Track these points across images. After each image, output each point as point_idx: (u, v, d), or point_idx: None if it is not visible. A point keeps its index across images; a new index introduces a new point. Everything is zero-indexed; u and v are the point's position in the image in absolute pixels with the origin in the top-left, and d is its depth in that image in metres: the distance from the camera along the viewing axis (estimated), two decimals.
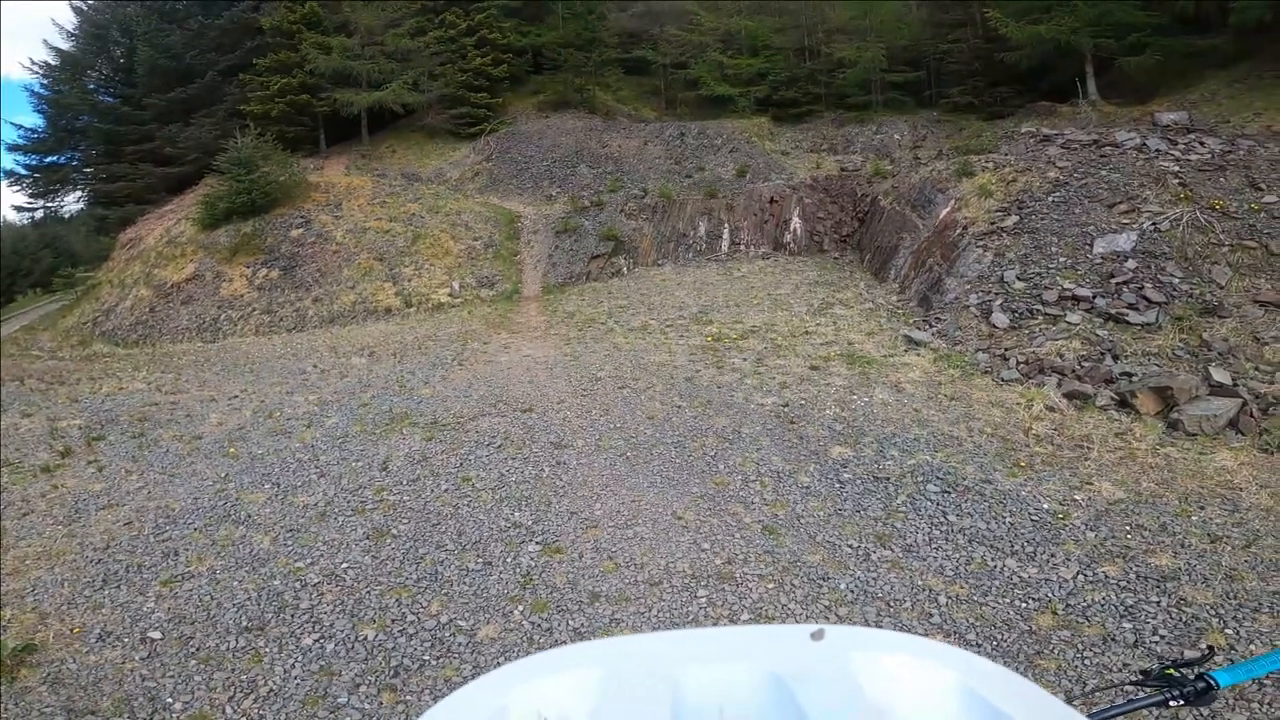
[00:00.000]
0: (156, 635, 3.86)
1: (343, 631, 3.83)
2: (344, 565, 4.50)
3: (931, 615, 3.70)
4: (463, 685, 0.69)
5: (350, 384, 8.86)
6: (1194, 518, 4.39)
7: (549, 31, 24.01)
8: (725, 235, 15.53)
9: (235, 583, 4.35)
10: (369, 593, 4.19)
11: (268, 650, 3.70)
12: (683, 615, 3.84)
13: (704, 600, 3.96)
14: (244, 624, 3.93)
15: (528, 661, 0.72)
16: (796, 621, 3.69)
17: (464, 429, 6.81)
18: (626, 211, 16.14)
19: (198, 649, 3.74)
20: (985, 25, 18.37)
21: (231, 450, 6.65)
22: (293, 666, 3.57)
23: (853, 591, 3.94)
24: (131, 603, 4.18)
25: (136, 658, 3.69)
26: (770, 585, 4.04)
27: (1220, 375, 5.95)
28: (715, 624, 3.75)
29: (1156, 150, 9.92)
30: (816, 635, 0.72)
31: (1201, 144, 9.96)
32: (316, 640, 3.77)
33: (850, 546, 4.38)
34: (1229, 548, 4.02)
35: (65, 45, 26.01)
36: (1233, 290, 7.03)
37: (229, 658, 3.66)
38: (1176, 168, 9.18)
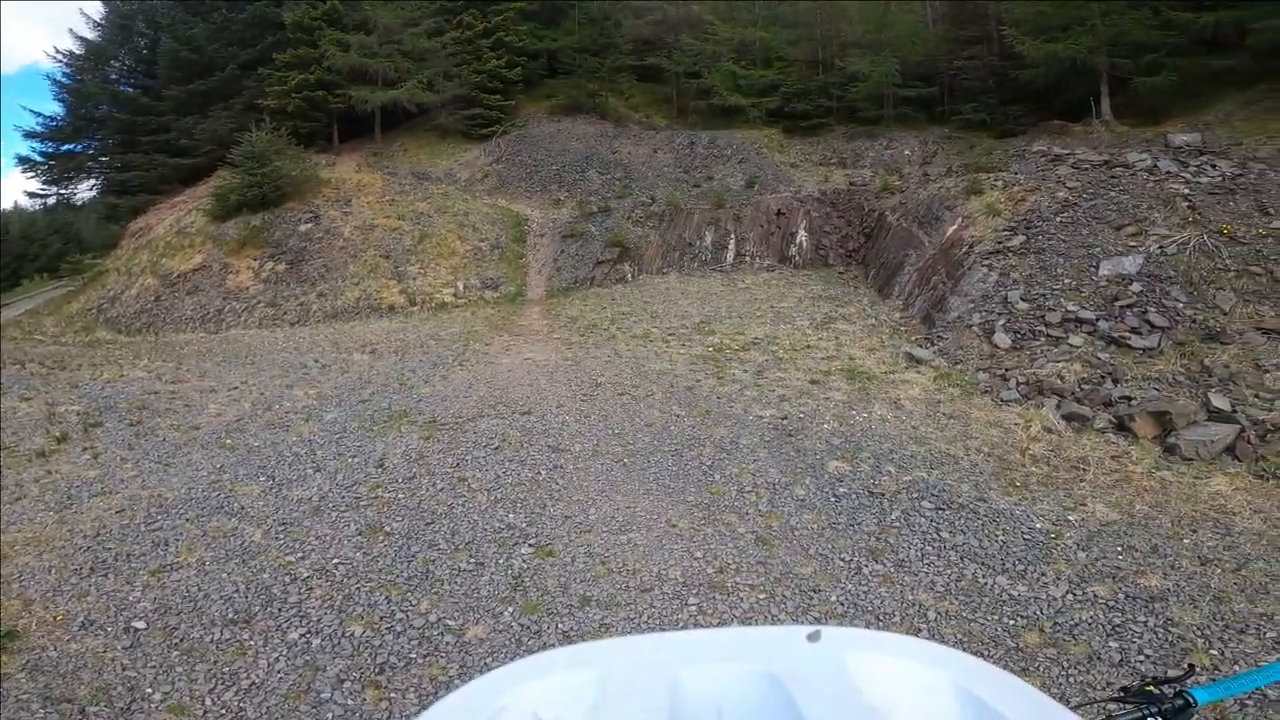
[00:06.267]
0: (140, 625, 3.86)
1: (330, 627, 3.83)
2: (335, 561, 4.50)
3: (920, 630, 3.68)
4: (459, 686, 0.69)
5: (350, 380, 8.89)
6: (1185, 540, 4.36)
7: (564, 36, 24.14)
8: (731, 246, 15.54)
9: (224, 575, 4.35)
10: (359, 589, 4.19)
11: (252, 643, 3.70)
12: (673, 622, 3.83)
13: (694, 608, 3.96)
14: (230, 616, 3.93)
15: (525, 663, 0.72)
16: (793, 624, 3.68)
17: (462, 429, 6.81)
18: (633, 218, 16.18)
19: (181, 640, 3.73)
20: (1001, 42, 18.35)
21: (228, 442, 6.66)
22: (277, 660, 3.57)
23: (843, 604, 3.93)
24: (118, 592, 4.19)
25: (118, 647, 3.68)
26: (761, 595, 4.03)
27: (1220, 401, 5.92)
28: (707, 630, 3.74)
29: (1167, 172, 9.89)
30: (813, 636, 0.72)
31: (1213, 166, 9.92)
32: (302, 635, 3.77)
33: (843, 560, 4.36)
34: (1219, 570, 3.99)
35: (91, 35, 26.41)
36: (1236, 316, 7.00)
37: (212, 650, 3.66)
38: (1186, 190, 9.14)
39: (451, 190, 18.79)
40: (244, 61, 22.71)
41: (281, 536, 4.83)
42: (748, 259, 15.36)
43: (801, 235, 15.25)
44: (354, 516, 5.10)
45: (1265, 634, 3.43)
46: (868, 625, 3.74)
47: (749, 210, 15.77)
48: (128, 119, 23.88)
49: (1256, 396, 6.02)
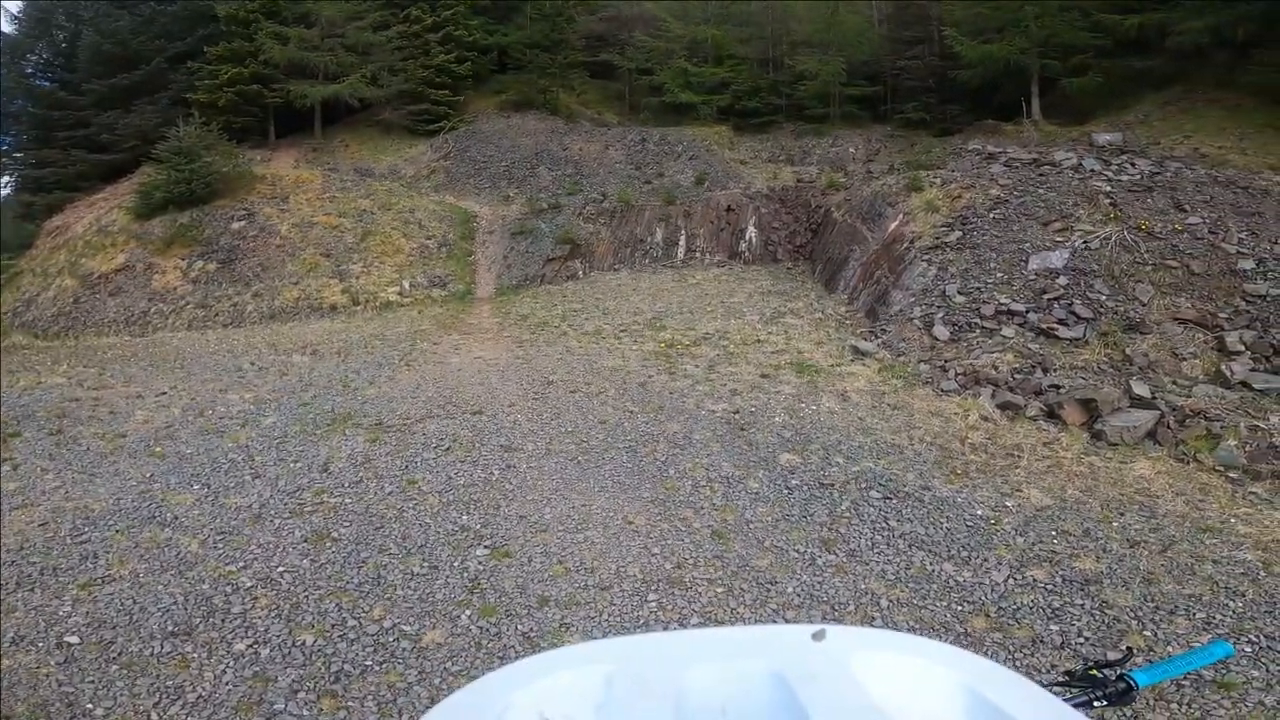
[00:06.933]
0: (74, 640, 3.65)
1: (279, 636, 3.69)
2: (280, 569, 4.34)
3: (874, 619, 3.79)
4: (463, 686, 0.68)
5: (290, 382, 8.58)
6: (1115, 523, 4.62)
7: (516, 31, 23.76)
8: (682, 242, 15.65)
9: (160, 586, 4.14)
10: (307, 597, 4.05)
11: (196, 656, 3.54)
12: (633, 619, 3.84)
13: (654, 604, 3.97)
14: (170, 629, 3.74)
15: (531, 661, 0.71)
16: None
17: (410, 431, 6.66)
18: (584, 215, 16.11)
19: (119, 654, 3.54)
20: (942, 43, 18.97)
21: (158, 449, 6.35)
22: (224, 672, 3.42)
23: (799, 595, 4.01)
24: (46, 606, 3.94)
25: (52, 663, 3.48)
26: (719, 589, 4.08)
27: (1140, 389, 6.29)
28: (668, 627, 3.76)
29: (1091, 170, 10.43)
30: (818, 635, 0.72)
31: (1133, 165, 10.51)
32: (250, 645, 3.62)
33: (797, 551, 4.45)
34: (1147, 552, 4.24)
35: (8, 30, 25.02)
36: (1155, 308, 7.44)
37: (154, 663, 3.48)
38: (1108, 188, 9.66)
39: (396, 187, 18.32)
40: (172, 55, 21.63)
41: (220, 546, 4.63)
42: (698, 255, 15.50)
43: (751, 231, 15.47)
44: (298, 523, 4.93)
45: (1195, 614, 3.63)
46: (824, 615, 3.83)
47: (699, 207, 15.91)
48: (43, 114, 22.60)
49: (1174, 384, 6.42)
